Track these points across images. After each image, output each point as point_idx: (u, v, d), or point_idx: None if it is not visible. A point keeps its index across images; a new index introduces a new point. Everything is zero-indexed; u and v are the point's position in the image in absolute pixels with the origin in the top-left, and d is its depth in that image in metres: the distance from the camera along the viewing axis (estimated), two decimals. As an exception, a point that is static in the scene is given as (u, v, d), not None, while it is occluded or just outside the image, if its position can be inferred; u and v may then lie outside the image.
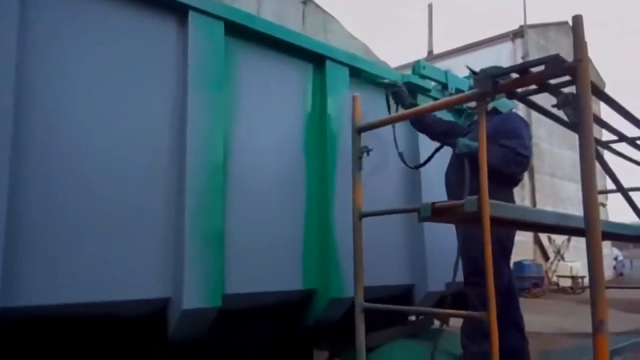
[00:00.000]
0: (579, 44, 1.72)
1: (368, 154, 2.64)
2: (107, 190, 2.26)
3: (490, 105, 3.29)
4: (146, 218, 2.37)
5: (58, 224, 2.11)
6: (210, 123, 2.58)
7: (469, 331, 2.93)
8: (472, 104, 3.22)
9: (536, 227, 2.51)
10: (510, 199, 3.19)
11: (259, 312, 2.95)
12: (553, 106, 1.79)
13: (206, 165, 2.53)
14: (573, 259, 18.67)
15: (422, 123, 3.50)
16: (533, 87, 1.96)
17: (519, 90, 2.02)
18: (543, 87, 1.91)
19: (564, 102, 1.73)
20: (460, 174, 3.02)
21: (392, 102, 3.32)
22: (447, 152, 3.43)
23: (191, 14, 2.59)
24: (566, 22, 23.74)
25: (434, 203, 2.10)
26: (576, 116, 1.68)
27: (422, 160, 3.51)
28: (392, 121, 2.83)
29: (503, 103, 3.34)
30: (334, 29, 16.09)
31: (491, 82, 1.91)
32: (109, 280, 2.22)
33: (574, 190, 21.40)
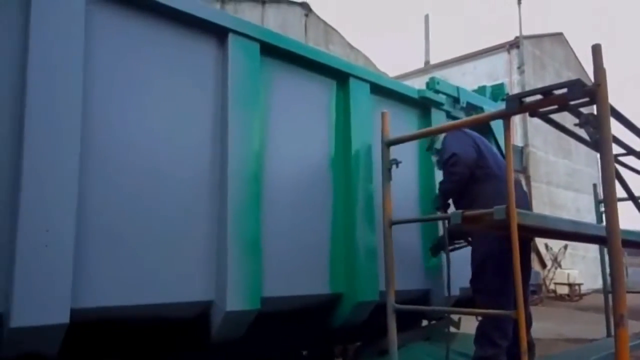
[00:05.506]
0: (598, 70, 1.93)
1: (397, 166, 2.80)
2: (158, 200, 2.45)
3: (433, 149, 3.51)
4: (192, 226, 2.55)
5: (116, 231, 2.29)
6: (249, 135, 2.78)
7: (476, 336, 3.09)
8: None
9: (555, 234, 2.70)
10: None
11: (290, 315, 3.13)
12: (575, 125, 1.99)
13: (246, 175, 2.72)
14: (570, 266, 18.89)
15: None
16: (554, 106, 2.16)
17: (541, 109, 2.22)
18: (563, 107, 2.11)
19: (585, 122, 1.93)
20: None
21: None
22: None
23: (231, 36, 2.79)
24: (561, 34, 24.10)
25: (463, 211, 2.29)
26: (596, 134, 1.89)
27: None
28: (419, 136, 3.02)
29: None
30: (334, 40, 16.38)
31: (517, 101, 2.12)
32: (161, 284, 2.39)
33: (569, 198, 21.69)
